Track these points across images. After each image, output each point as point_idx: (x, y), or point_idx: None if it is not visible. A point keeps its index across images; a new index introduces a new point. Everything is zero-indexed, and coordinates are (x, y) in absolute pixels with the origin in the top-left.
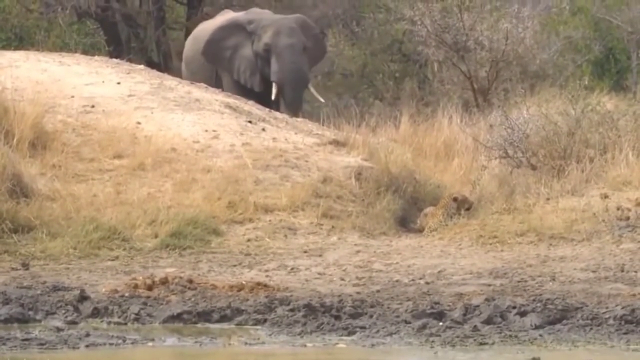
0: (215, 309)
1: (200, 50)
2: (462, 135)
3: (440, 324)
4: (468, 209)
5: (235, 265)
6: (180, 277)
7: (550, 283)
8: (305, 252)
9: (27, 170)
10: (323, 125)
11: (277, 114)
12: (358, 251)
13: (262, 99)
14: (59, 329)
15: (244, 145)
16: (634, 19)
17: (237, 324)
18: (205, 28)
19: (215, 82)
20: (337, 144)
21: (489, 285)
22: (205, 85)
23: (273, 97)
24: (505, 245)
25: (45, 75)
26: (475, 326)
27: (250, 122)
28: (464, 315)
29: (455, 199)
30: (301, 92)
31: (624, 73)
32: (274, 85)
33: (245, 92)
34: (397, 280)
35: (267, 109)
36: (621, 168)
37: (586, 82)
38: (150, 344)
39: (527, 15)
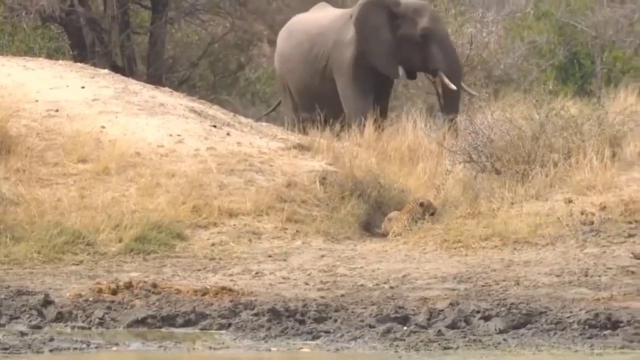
0: (180, 314)
1: (297, 44)
2: (427, 139)
3: (405, 328)
4: (432, 214)
5: (199, 270)
6: (145, 282)
7: (515, 287)
8: (269, 256)
9: None
10: (287, 129)
11: (242, 118)
12: (322, 255)
13: (383, 86)
14: (22, 334)
15: (209, 150)
16: (598, 23)
17: (201, 329)
18: (301, 21)
19: (320, 81)
20: (301, 148)
21: (453, 289)
22: (170, 90)
23: (451, 86)
24: (469, 249)
25: (9, 80)
26: (439, 330)
27: (214, 126)
28: (428, 319)
29: (421, 204)
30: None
31: (588, 78)
32: (440, 73)
33: (367, 77)
34: (361, 285)
35: (232, 114)
36: (585, 173)
37: (550, 87)
38: (114, 348)
39: (492, 20)
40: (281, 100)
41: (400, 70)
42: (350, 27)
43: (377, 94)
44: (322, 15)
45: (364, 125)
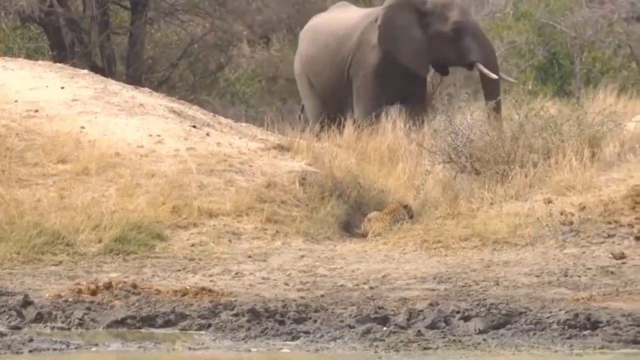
0: (159, 314)
1: (324, 46)
2: (406, 140)
3: (384, 328)
4: (411, 217)
5: (179, 270)
6: (124, 282)
7: (494, 288)
8: (249, 257)
9: None
10: (267, 129)
11: (222, 118)
12: (302, 256)
13: (413, 87)
14: (2, 334)
15: (188, 150)
16: (577, 23)
17: (181, 329)
18: (326, 21)
19: (347, 82)
20: (281, 148)
21: (433, 289)
22: (150, 90)
23: (492, 76)
24: (449, 250)
25: None
26: (419, 331)
27: (194, 126)
28: (408, 320)
29: (405, 206)
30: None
31: (568, 78)
32: (477, 64)
33: (384, 88)
34: (341, 285)
35: (212, 114)
36: (565, 173)
37: (530, 87)
38: (94, 349)
39: None
40: (303, 103)
41: (430, 69)
42: (376, 29)
43: (409, 95)
44: (348, 15)
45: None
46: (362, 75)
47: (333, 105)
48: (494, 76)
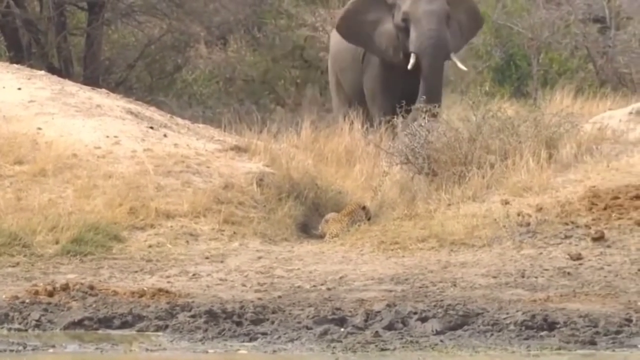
0: (117, 315)
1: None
2: (364, 141)
3: (342, 329)
4: (369, 219)
5: (136, 272)
6: (82, 284)
7: (452, 289)
8: (206, 258)
9: None
10: (224, 131)
11: (179, 119)
12: (259, 257)
13: (412, 76)
14: None
15: (146, 151)
16: (534, 25)
17: (138, 331)
18: None
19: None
20: (238, 150)
21: (390, 291)
22: (107, 91)
23: (410, 67)
24: (406, 251)
25: None
26: (376, 332)
27: (151, 127)
28: (365, 321)
29: (363, 207)
30: (440, 63)
31: (525, 79)
32: (412, 55)
33: (393, 72)
34: (298, 286)
35: (169, 115)
36: (522, 174)
37: (487, 88)
38: (51, 350)
39: None
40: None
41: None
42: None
43: (409, 91)
44: None
45: (383, 124)
46: (367, 69)
47: (359, 100)
48: (410, 67)
